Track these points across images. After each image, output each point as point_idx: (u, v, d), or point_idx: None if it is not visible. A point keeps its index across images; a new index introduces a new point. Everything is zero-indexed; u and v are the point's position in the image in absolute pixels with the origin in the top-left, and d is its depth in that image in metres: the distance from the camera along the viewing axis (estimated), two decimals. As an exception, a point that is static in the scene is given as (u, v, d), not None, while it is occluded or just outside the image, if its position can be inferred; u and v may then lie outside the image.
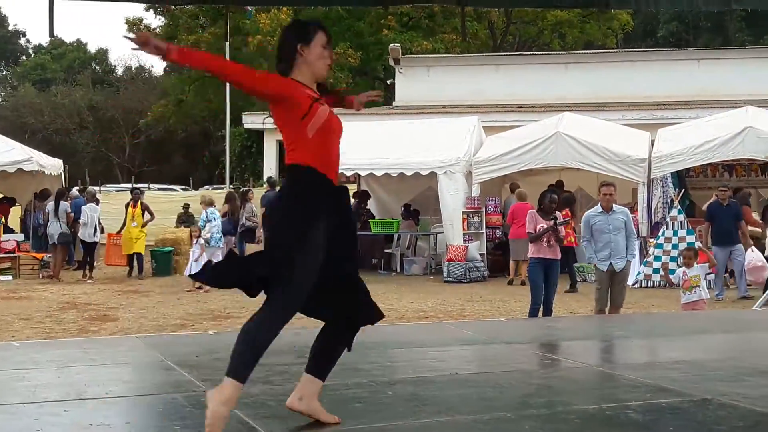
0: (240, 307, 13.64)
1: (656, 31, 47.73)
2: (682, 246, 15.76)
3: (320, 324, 4.34)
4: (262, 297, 4.07)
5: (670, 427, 4.39)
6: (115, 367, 6.14)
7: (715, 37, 45.83)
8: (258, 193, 21.90)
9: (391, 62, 30.30)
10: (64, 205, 18.84)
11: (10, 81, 63.98)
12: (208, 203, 16.85)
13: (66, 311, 13.25)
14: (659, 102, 25.68)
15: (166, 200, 25.54)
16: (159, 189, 32.49)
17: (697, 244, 14.80)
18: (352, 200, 20.55)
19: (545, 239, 10.78)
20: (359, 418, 4.45)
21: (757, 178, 20.39)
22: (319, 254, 4.05)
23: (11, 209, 21.30)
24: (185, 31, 40.85)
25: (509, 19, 42.17)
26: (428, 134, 19.15)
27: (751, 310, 11.05)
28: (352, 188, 22.46)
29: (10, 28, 67.00)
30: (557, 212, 11.32)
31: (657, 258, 16.10)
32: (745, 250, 15.12)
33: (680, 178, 18.79)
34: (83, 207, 18.65)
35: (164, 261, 18.79)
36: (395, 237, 19.70)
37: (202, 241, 16.22)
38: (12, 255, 19.09)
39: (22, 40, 68.34)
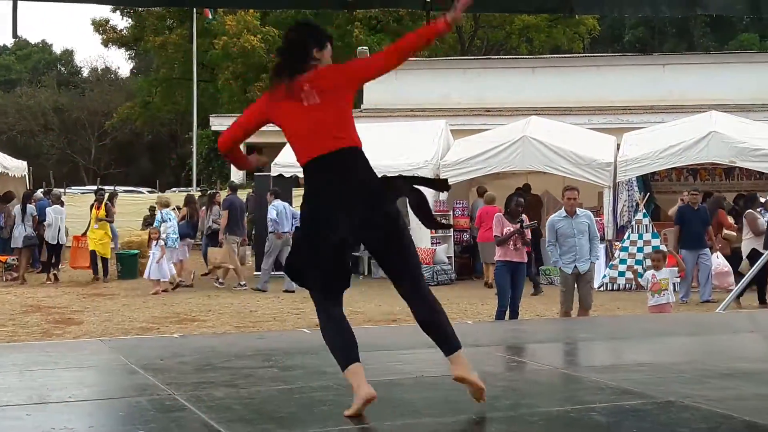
0: (207, 310, 13.60)
1: (622, 36, 48.16)
2: (648, 249, 15.94)
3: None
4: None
5: (633, 429, 4.42)
6: (79, 370, 6.08)
7: (680, 42, 46.33)
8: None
9: (359, 65, 30.26)
10: (30, 207, 18.67)
11: (-27, 82, 63.30)
12: (164, 204, 16.98)
13: (30, 314, 13.11)
14: (625, 107, 25.90)
15: (132, 203, 25.37)
16: (125, 191, 32.27)
17: (666, 247, 14.96)
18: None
19: (512, 242, 10.85)
20: (325, 420, 4.43)
21: (721, 182, 20.61)
22: None
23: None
24: (152, 33, 40.63)
25: (477, 24, 42.39)
26: (396, 137, 19.17)
27: (715, 313, 11.15)
28: (319, 191, 22.46)
29: (-26, 28, 66.31)
30: (524, 215, 11.39)
31: (622, 261, 16.24)
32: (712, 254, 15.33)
33: (645, 182, 18.96)
34: (47, 209, 18.48)
35: (130, 264, 18.66)
36: (363, 240, 19.66)
37: (161, 242, 16.14)
38: (-25, 258, 18.88)
39: (-14, 41, 67.68)
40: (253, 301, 14.68)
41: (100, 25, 44.24)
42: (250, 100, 37.80)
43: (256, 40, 35.69)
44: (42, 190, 24.70)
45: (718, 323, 9.35)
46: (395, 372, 5.79)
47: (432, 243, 17.90)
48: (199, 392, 5.02)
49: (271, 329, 11.38)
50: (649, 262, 15.31)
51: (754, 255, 13.74)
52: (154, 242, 16.38)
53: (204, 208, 19.68)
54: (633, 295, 14.92)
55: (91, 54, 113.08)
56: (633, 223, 16.56)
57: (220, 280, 17.05)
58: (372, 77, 4.57)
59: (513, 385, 5.50)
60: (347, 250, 4.49)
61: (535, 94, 26.79)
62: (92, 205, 18.75)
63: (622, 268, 16.20)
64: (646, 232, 16.24)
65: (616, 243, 16.87)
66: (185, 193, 24.08)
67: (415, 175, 4.85)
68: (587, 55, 37.83)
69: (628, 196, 17.83)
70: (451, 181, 18.74)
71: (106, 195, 19.55)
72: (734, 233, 16.39)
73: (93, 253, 18.10)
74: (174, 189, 36.13)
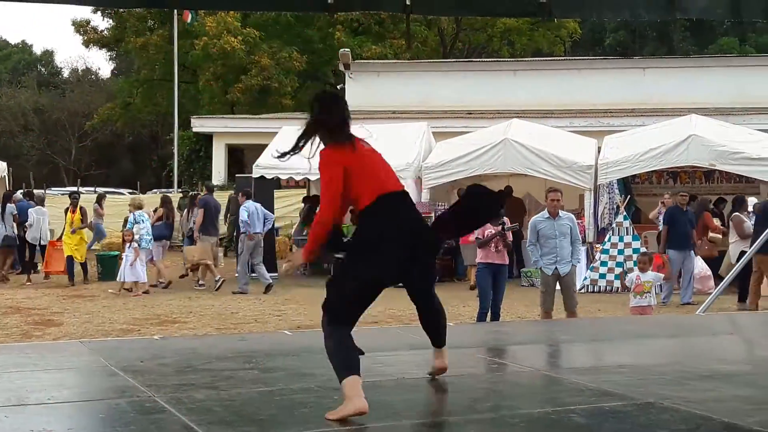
0: (187, 312, 13.55)
1: (603, 40, 48.36)
2: (628, 252, 16.03)
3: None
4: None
5: (613, 431, 4.44)
6: (58, 372, 6.05)
7: (660, 45, 46.59)
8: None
9: (342, 67, 30.30)
10: (10, 207, 18.54)
11: (-47, 82, 62.88)
12: (137, 206, 16.90)
13: (9, 316, 13.02)
14: (606, 110, 25.99)
15: (113, 204, 25.20)
16: (105, 192, 32.08)
17: (645, 249, 15.03)
18: (303, 205, 20.52)
19: (493, 244, 10.87)
20: (306, 422, 4.43)
21: (701, 185, 20.71)
22: None
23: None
24: (133, 34, 40.46)
25: (459, 26, 42.47)
26: (378, 139, 19.08)
27: (695, 315, 11.20)
28: (302, 193, 22.44)
29: (-47, 28, 65.87)
30: (505, 218, 11.41)
31: (603, 263, 16.30)
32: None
33: (626, 184, 19.03)
34: (30, 210, 18.39)
35: (110, 265, 18.53)
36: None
37: (135, 244, 16.07)
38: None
39: (-34, 41, 67.24)
40: (234, 303, 14.64)
41: (80, 26, 44.01)
42: (230, 101, 37.75)
43: (237, 41, 35.62)
44: (21, 191, 24.55)
45: (699, 325, 9.40)
46: (376, 374, 5.79)
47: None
48: (179, 394, 5.01)
49: (252, 331, 11.35)
50: (629, 264, 15.45)
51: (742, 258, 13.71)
52: (128, 244, 16.29)
53: (186, 209, 19.64)
54: (613, 297, 14.99)
55: (72, 55, 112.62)
56: (614, 225, 16.62)
57: (201, 281, 17.00)
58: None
59: (494, 387, 5.52)
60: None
61: (517, 97, 26.85)
62: (67, 208, 18.47)
63: (602, 270, 16.27)
64: (627, 234, 16.31)
65: (597, 245, 16.92)
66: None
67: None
68: (568, 58, 37.97)
69: (609, 198, 17.89)
70: (432, 184, 18.97)
71: (95, 197, 19.43)
72: (720, 236, 16.47)
73: (70, 258, 17.81)
74: (155, 190, 35.96)
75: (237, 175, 23.25)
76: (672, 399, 4.94)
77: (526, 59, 34.89)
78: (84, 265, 18.12)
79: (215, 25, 35.72)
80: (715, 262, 16.10)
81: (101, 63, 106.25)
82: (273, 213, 19.25)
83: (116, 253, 18.87)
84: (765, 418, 4.54)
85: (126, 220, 21.83)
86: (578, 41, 45.57)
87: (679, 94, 25.69)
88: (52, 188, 33.62)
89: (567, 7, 8.85)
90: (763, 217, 13.17)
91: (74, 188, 29.57)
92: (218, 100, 38.42)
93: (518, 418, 4.60)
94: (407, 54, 37.21)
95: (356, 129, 4.95)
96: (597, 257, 16.53)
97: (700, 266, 15.80)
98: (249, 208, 16.45)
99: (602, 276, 16.24)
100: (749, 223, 14.57)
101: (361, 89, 28.77)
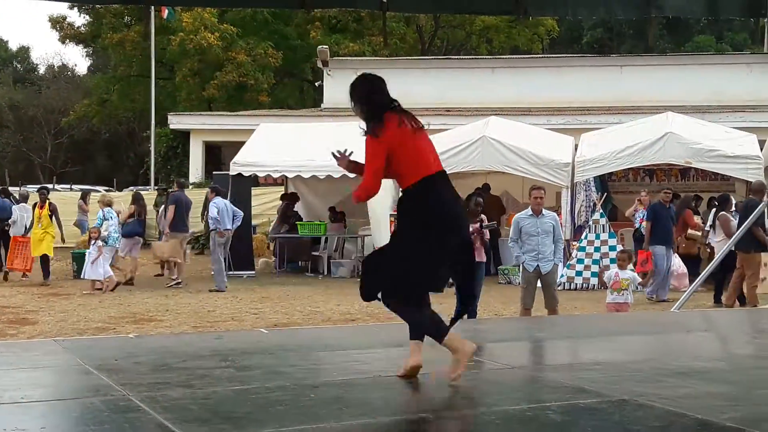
0: (164, 310, 13.49)
1: (581, 38, 48.52)
2: (605, 249, 16.11)
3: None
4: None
5: (588, 428, 4.45)
6: (33, 371, 6.01)
7: (637, 43, 46.79)
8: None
9: (320, 64, 30.24)
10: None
11: (-73, 78, 62.26)
12: (106, 203, 16.82)
13: (-17, 314, 12.92)
14: (583, 107, 26.07)
15: (91, 201, 25.05)
16: (82, 190, 31.89)
17: (620, 246, 15.10)
18: (280, 202, 20.47)
19: (470, 242, 10.86)
20: (281, 420, 4.42)
21: (677, 183, 20.84)
22: None
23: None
24: (110, 30, 40.22)
25: (437, 24, 42.49)
26: (356, 137, 19.03)
27: (670, 312, 11.27)
28: (279, 190, 22.38)
29: (-73, 24, 65.25)
30: (483, 215, 11.41)
31: (580, 261, 16.36)
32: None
33: (603, 182, 19.12)
34: (14, 207, 18.31)
35: (84, 263, 18.39)
36: (322, 239, 19.65)
37: (100, 242, 15.99)
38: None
39: (-60, 37, 66.52)
40: (211, 301, 14.59)
41: (57, 22, 43.70)
42: (207, 98, 37.59)
43: (214, 37, 35.48)
44: (-3, 188, 24.35)
45: (674, 322, 9.46)
46: (353, 371, 5.79)
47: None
48: (154, 393, 4.98)
49: (229, 329, 11.32)
50: (606, 261, 15.53)
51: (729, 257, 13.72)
52: (93, 242, 16.19)
53: (162, 206, 19.54)
54: (590, 295, 15.05)
55: (48, 51, 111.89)
56: (590, 223, 16.69)
57: (178, 279, 16.92)
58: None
59: (470, 384, 5.52)
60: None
61: (495, 95, 26.88)
62: (35, 204, 18.26)
63: (579, 267, 16.33)
64: (603, 231, 16.37)
65: (574, 243, 16.98)
66: (144, 193, 23.89)
67: None
68: (546, 56, 38.07)
69: (586, 196, 17.97)
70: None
71: (80, 193, 19.30)
72: (699, 233, 16.55)
73: (45, 257, 17.58)
74: (132, 187, 35.76)
75: (214, 173, 23.16)
76: (646, 396, 4.96)
77: (505, 57, 34.92)
78: (46, 264, 17.62)
79: (192, 21, 35.56)
80: (693, 260, 16.20)
81: (78, 59, 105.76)
82: (251, 210, 19.22)
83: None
84: (739, 415, 4.57)
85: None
86: (556, 39, 45.71)
87: (656, 92, 25.80)
88: (27, 185, 33.33)
89: (542, 4, 8.87)
90: (744, 216, 13.22)
91: (50, 185, 29.40)
92: (195, 96, 38.23)
93: (494, 415, 4.62)
94: (385, 51, 37.16)
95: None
96: (574, 255, 16.58)
97: (676, 263, 15.88)
98: (218, 204, 16.42)
99: (579, 273, 16.30)
100: (735, 222, 14.56)
101: (340, 86, 28.57)
